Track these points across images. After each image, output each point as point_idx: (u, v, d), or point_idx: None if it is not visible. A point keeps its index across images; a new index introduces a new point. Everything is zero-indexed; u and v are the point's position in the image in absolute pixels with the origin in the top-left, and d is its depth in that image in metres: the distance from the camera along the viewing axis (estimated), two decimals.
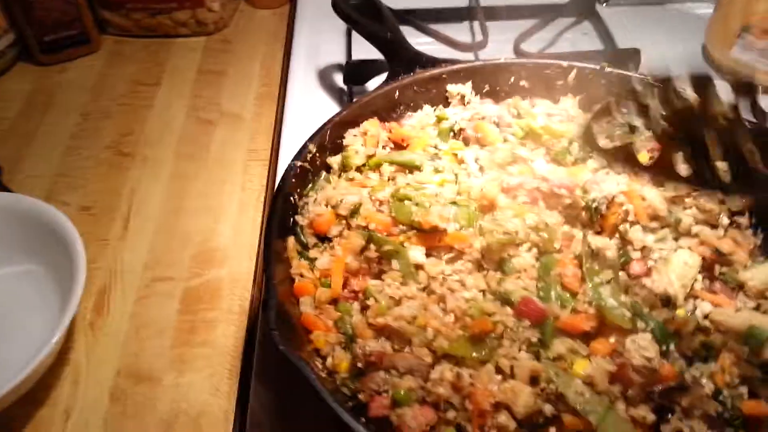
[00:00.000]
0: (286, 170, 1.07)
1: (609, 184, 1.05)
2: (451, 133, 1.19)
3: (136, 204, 1.41)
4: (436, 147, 1.16)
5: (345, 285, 1.01)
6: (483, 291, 0.96)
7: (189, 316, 1.22)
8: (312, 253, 1.04)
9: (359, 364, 0.90)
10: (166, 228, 1.37)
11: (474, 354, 0.88)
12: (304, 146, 1.11)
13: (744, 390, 0.87)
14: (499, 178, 1.06)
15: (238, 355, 1.17)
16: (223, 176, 1.47)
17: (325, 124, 1.14)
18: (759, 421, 0.85)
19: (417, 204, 1.02)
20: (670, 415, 0.84)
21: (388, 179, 1.12)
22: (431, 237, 1.00)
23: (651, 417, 0.83)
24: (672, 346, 0.88)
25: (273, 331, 0.87)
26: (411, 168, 1.11)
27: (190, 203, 1.41)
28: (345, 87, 1.58)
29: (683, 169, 0.91)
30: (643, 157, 0.98)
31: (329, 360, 0.93)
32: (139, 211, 1.40)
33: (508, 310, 0.92)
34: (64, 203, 1.40)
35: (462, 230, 1.00)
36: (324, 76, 1.62)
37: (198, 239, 1.35)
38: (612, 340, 0.88)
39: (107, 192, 1.43)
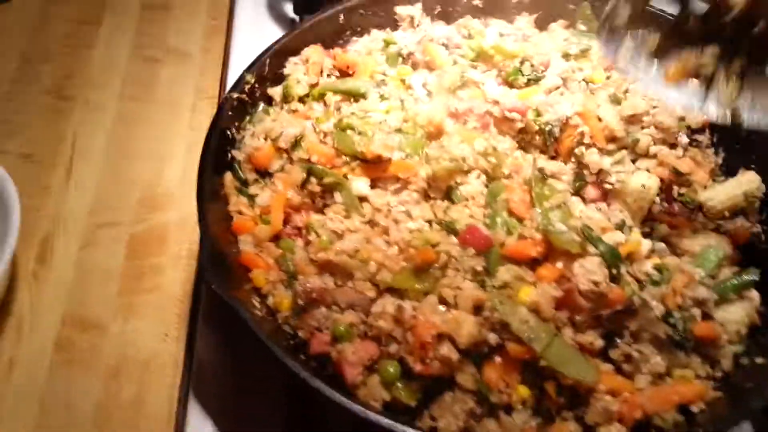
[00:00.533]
0: (222, 103, 1.01)
1: (563, 105, 1.00)
2: (400, 59, 1.13)
3: (79, 149, 1.34)
4: (384, 74, 1.10)
5: (287, 221, 0.96)
6: (429, 221, 0.91)
7: (136, 262, 1.18)
8: (252, 190, 1.00)
9: (300, 302, 0.87)
10: (110, 173, 1.31)
11: (417, 285, 0.84)
12: (241, 77, 1.05)
13: (697, 312, 0.84)
14: (448, 103, 1.00)
15: (187, 300, 1.13)
16: (171, 117, 1.40)
17: (263, 53, 1.08)
18: (712, 342, 0.82)
19: (360, 133, 0.96)
20: (618, 340, 0.81)
21: (334, 110, 1.06)
22: (376, 167, 0.95)
23: (599, 342, 0.80)
24: (623, 270, 0.84)
25: (207, 271, 0.83)
26: (356, 96, 1.05)
27: (135, 146, 1.35)
28: (296, 17, 1.50)
29: None
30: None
31: (270, 299, 0.89)
32: (82, 157, 1.33)
33: (453, 239, 0.88)
34: (3, 151, 1.33)
35: (407, 159, 0.95)
36: (273, 6, 1.53)
37: (144, 183, 1.29)
38: (560, 265, 0.84)
39: (49, 138, 1.36)
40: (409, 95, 1.05)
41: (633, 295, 0.81)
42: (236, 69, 1.36)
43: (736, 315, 0.86)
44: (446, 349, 0.79)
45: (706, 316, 0.85)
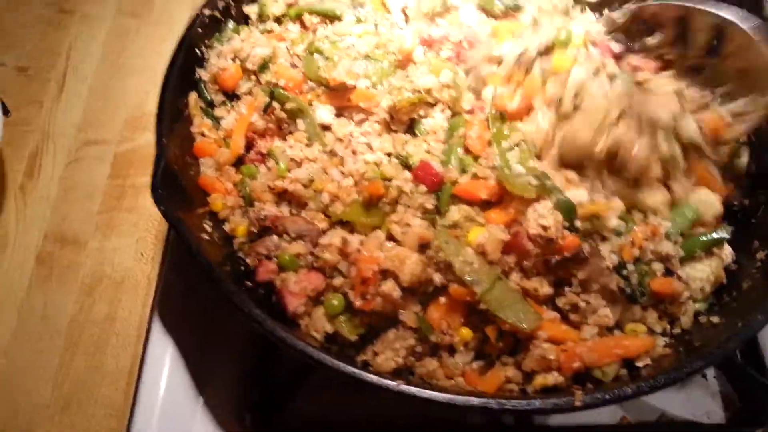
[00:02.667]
0: (193, 19, 0.98)
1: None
2: None
3: (73, 64, 1.33)
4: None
5: (252, 146, 0.94)
6: (389, 154, 0.88)
7: (119, 181, 1.18)
8: (219, 112, 0.97)
9: (253, 229, 0.85)
10: (101, 89, 1.30)
11: (365, 219, 0.82)
12: None
13: (659, 267, 0.80)
14: (423, 29, 0.94)
15: (164, 222, 1.13)
16: (164, 35, 1.37)
17: None
18: (671, 298, 0.78)
19: (327, 58, 0.92)
20: (566, 289, 0.77)
21: (311, 31, 1.02)
22: (340, 95, 0.91)
23: (546, 290, 0.77)
24: (577, 223, 0.80)
25: (156, 190, 0.81)
26: (331, 18, 1.00)
27: (127, 63, 1.33)
28: None
29: None
30: None
31: (227, 224, 0.89)
32: (75, 72, 1.32)
33: (407, 174, 0.84)
34: (1, 64, 1.33)
35: (372, 88, 0.90)
36: None
37: (132, 102, 1.28)
38: (511, 211, 0.80)
39: (45, 52, 1.36)
40: (386, 19, 1.00)
41: (583, 243, 0.77)
42: None
43: (702, 272, 0.81)
44: (389, 286, 0.77)
45: (669, 272, 0.80)
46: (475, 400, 0.67)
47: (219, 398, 0.94)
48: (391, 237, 0.82)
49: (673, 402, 0.92)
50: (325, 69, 0.91)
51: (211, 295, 0.97)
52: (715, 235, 0.83)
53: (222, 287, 0.75)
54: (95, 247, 1.11)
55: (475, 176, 0.83)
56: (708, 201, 0.86)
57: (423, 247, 0.79)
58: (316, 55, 0.93)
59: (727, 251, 0.84)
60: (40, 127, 1.25)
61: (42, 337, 1.03)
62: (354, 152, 0.87)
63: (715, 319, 0.79)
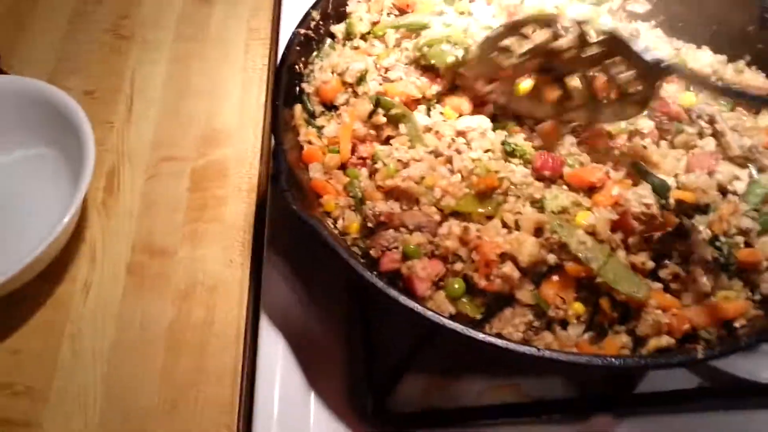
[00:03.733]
0: (290, 38, 1.06)
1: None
2: None
3: (138, 87, 1.40)
4: (442, 11, 1.13)
5: (353, 151, 1.02)
6: (488, 150, 0.97)
7: (198, 194, 1.24)
8: (319, 121, 1.05)
9: (369, 224, 0.93)
10: (169, 110, 1.36)
11: (480, 209, 0.90)
12: (307, 14, 1.09)
13: (740, 240, 0.90)
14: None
15: (249, 230, 1.19)
16: (224, 56, 1.45)
17: None
18: (753, 267, 0.89)
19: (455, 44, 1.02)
20: (668, 261, 0.87)
21: (394, 46, 1.11)
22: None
23: (650, 263, 0.86)
24: (671, 201, 0.90)
25: (286, 191, 0.89)
26: (418, 30, 1.09)
27: (192, 85, 1.40)
28: None
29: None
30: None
31: (340, 222, 0.96)
32: (141, 94, 1.39)
33: (512, 166, 0.93)
34: (67, 88, 1.36)
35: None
36: None
37: (202, 120, 1.34)
38: (615, 192, 0.90)
39: (109, 75, 1.42)
40: (475, 20, 1.09)
41: (683, 220, 0.87)
42: (288, 9, 1.41)
43: None
44: (508, 268, 0.85)
45: (748, 245, 0.90)
46: (614, 360, 0.76)
47: (330, 388, 0.99)
48: (504, 225, 0.90)
49: (742, 367, 1.01)
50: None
51: (314, 291, 1.07)
52: None
53: (365, 276, 0.82)
54: (184, 256, 1.17)
55: (580, 164, 0.93)
56: None
57: (538, 231, 0.88)
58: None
59: None
60: (114, 147, 1.31)
61: (143, 344, 1.07)
62: (458, 151, 0.96)
63: None
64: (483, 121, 1.00)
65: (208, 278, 1.14)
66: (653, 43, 1.14)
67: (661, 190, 0.89)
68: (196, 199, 1.24)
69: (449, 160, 0.95)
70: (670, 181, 0.92)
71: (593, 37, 0.94)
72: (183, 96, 1.38)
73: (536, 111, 1.01)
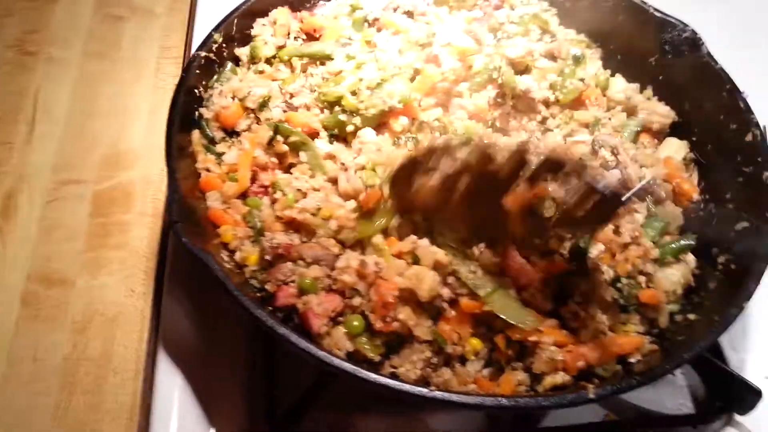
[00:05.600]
0: (189, 61, 1.02)
1: None
2: (365, 23, 1.15)
3: (42, 106, 1.33)
4: (349, 38, 1.12)
5: (254, 180, 0.99)
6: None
7: (101, 219, 1.19)
8: (220, 148, 1.02)
9: (267, 257, 0.90)
10: (74, 130, 1.30)
11: (375, 226, 0.89)
12: (209, 36, 1.06)
13: (643, 279, 0.91)
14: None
15: (153, 257, 1.15)
16: (134, 76, 1.40)
17: (231, 13, 1.09)
18: (653, 307, 0.90)
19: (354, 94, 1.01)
20: (569, 300, 0.86)
21: (300, 71, 1.08)
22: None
23: (548, 305, 0.86)
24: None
25: (176, 223, 0.85)
26: (322, 59, 1.07)
27: (98, 104, 1.34)
28: None
29: None
30: None
31: (238, 254, 0.92)
32: (45, 114, 1.32)
33: None
34: None
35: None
36: None
37: (108, 141, 1.29)
38: None
39: (11, 94, 1.35)
40: (380, 51, 1.08)
41: (588, 259, 0.87)
42: (201, 29, 1.36)
43: (673, 277, 0.93)
44: (404, 314, 0.84)
45: (649, 284, 0.91)
46: (505, 401, 0.74)
47: (231, 426, 0.96)
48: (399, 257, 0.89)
49: (645, 398, 1.02)
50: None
51: (215, 324, 1.03)
52: (683, 243, 0.95)
53: (256, 314, 0.79)
54: (84, 285, 1.11)
55: None
56: (673, 212, 0.98)
57: (436, 264, 0.87)
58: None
59: (691, 257, 0.96)
60: (13, 169, 1.25)
61: (35, 379, 1.02)
62: (346, 168, 0.95)
63: (691, 317, 0.90)
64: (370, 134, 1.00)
65: (108, 309, 1.09)
66: None
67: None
68: (97, 225, 1.18)
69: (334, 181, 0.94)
70: None
71: (532, 161, 0.82)
72: (89, 116, 1.33)
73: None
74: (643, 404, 1.01)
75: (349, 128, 1.01)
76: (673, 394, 1.03)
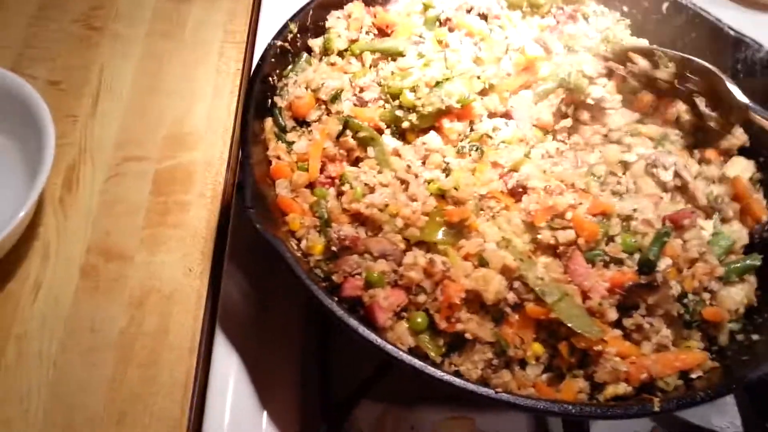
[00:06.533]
0: (266, 49, 1.03)
1: None
2: (437, 23, 1.15)
3: (107, 81, 1.36)
4: (420, 36, 1.12)
5: (322, 170, 1.00)
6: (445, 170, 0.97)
7: (161, 198, 1.21)
8: (290, 137, 1.03)
9: (333, 248, 0.91)
10: (137, 108, 1.32)
11: (442, 239, 0.89)
12: (285, 26, 1.07)
13: (707, 296, 0.91)
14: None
15: (211, 238, 1.17)
16: (198, 58, 1.42)
17: (307, 4, 1.10)
18: (716, 323, 0.90)
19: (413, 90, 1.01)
20: (634, 312, 0.87)
21: (370, 66, 1.09)
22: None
23: (611, 312, 0.86)
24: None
25: (249, 209, 0.87)
26: (394, 55, 1.08)
27: (162, 84, 1.36)
28: None
29: None
30: None
31: (304, 242, 0.94)
32: (109, 89, 1.35)
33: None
34: (32, 77, 1.33)
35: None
36: None
37: (170, 121, 1.31)
38: None
39: (76, 67, 1.37)
40: (453, 51, 1.08)
41: (657, 272, 0.87)
42: (267, 16, 1.38)
43: (736, 296, 0.93)
44: (472, 323, 0.85)
45: (712, 302, 0.91)
46: (571, 408, 0.75)
47: (284, 410, 0.97)
48: (467, 258, 0.89)
49: (693, 413, 1.02)
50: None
51: (273, 308, 1.04)
52: (749, 262, 0.95)
53: (325, 302, 0.80)
54: (142, 261, 1.13)
55: None
56: (739, 232, 0.98)
57: (504, 269, 0.87)
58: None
59: (753, 278, 0.96)
60: (77, 141, 1.27)
61: (92, 350, 1.04)
62: (416, 175, 0.95)
63: (755, 337, 0.90)
64: (436, 140, 1.00)
65: (165, 286, 1.11)
66: None
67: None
68: (158, 203, 1.20)
69: (407, 185, 0.95)
70: None
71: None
72: (152, 94, 1.35)
73: None
74: (691, 419, 1.01)
75: (405, 124, 1.02)
76: (721, 412, 1.03)
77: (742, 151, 1.08)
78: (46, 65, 1.36)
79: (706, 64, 1.03)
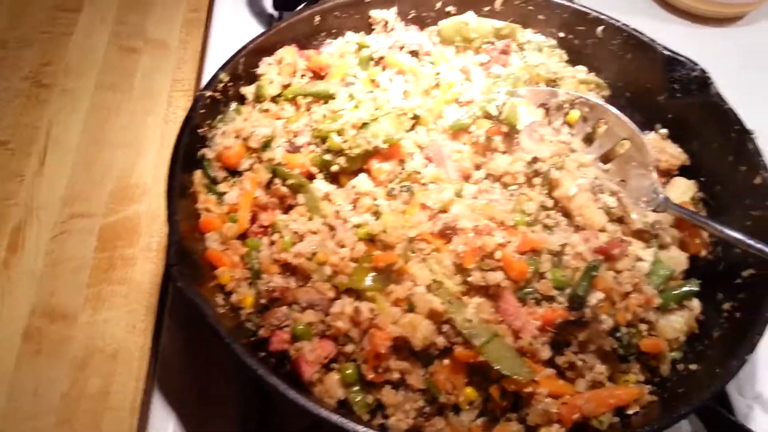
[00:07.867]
0: (195, 100, 1.03)
1: None
2: (371, 62, 1.14)
3: (54, 138, 1.35)
4: (355, 76, 1.12)
5: (254, 220, 0.99)
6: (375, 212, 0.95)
7: (106, 253, 1.19)
8: (222, 187, 1.02)
9: (263, 300, 0.89)
10: (84, 162, 1.31)
11: (369, 285, 0.87)
12: (215, 75, 1.06)
13: (644, 327, 0.88)
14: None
15: (155, 293, 1.15)
16: (147, 108, 1.41)
17: (238, 52, 1.09)
18: (655, 356, 0.87)
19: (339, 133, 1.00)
20: (566, 349, 0.84)
21: (305, 110, 1.08)
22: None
23: (543, 350, 0.84)
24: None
25: (172, 266, 0.85)
26: (325, 98, 1.07)
27: (110, 137, 1.36)
28: (275, 12, 1.51)
29: None
30: None
31: (234, 296, 0.92)
32: (57, 145, 1.34)
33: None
34: None
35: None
36: (253, 1, 1.54)
37: (117, 174, 1.30)
38: None
39: (24, 126, 1.36)
40: (382, 90, 1.08)
41: (586, 308, 0.85)
42: (213, 63, 1.39)
43: (676, 324, 0.90)
44: (396, 364, 0.83)
45: (651, 332, 0.89)
46: None
47: None
48: (396, 304, 0.87)
49: None
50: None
51: (211, 365, 1.02)
52: (686, 288, 0.92)
53: (246, 361, 0.78)
54: (86, 321, 1.11)
55: None
56: (678, 258, 0.96)
57: (431, 312, 0.85)
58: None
59: (696, 303, 0.93)
60: (23, 201, 1.25)
61: (35, 415, 1.02)
62: (345, 221, 0.94)
63: (693, 366, 0.87)
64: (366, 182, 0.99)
65: (109, 345, 1.09)
66: None
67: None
68: (102, 259, 1.19)
69: (334, 230, 0.93)
70: None
71: None
72: (99, 147, 1.34)
73: None
74: None
75: (334, 168, 1.00)
76: None
77: (684, 171, 1.06)
78: None
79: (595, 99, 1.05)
